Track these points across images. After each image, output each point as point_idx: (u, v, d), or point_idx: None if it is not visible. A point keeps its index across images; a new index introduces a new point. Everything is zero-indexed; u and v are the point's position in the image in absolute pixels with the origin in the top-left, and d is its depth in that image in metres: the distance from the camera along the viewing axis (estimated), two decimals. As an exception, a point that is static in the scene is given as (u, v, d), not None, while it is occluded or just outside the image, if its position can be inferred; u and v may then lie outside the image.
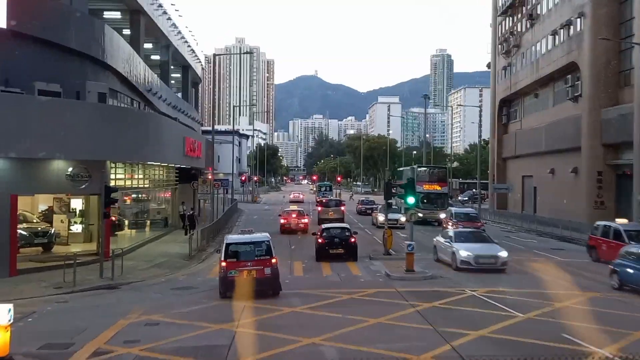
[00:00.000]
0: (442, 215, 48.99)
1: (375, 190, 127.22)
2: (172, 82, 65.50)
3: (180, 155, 37.70)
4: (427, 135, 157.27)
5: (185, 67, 67.46)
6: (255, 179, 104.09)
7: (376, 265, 28.11)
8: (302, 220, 44.24)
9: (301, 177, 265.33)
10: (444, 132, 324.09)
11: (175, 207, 44.77)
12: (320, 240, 29.68)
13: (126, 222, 36.89)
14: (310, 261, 29.53)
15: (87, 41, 33.50)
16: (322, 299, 19.66)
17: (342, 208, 53.79)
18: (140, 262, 28.70)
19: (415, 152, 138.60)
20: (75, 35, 32.35)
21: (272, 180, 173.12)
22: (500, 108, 72.29)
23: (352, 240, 29.64)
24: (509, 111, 71.29)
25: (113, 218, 34.48)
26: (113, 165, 30.14)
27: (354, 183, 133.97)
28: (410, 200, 26.76)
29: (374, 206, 62.20)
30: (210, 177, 42.07)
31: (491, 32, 77.44)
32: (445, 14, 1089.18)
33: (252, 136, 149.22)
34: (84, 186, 26.31)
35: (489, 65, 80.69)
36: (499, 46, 72.08)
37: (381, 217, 44.12)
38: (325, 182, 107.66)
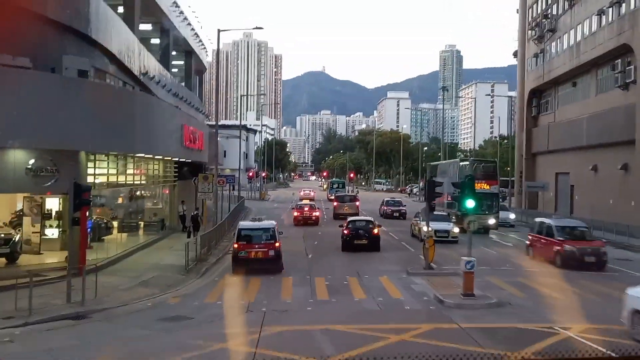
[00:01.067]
0: (492, 221, 41.88)
1: (391, 187, 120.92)
2: (175, 70, 59.78)
3: (178, 146, 31.94)
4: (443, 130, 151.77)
5: (189, 53, 61.62)
6: (264, 175, 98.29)
7: (419, 285, 22.26)
8: (314, 214, 47.63)
9: (309, 174, 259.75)
10: (453, 128, 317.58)
11: (174, 207, 39.04)
12: (345, 232, 31.38)
13: (115, 224, 31.15)
14: (334, 276, 23.78)
15: (67, 9, 27.75)
16: (362, 342, 13.92)
17: (357, 203, 53.04)
18: (123, 278, 22.97)
19: (426, 147, 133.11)
20: (52, 1, 26.64)
21: (280, 176, 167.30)
22: (530, 99, 66.21)
23: (375, 232, 31.52)
24: (540, 102, 65.17)
25: (100, 219, 29.05)
26: (92, 157, 24.28)
27: (375, 180, 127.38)
28: (470, 203, 20.75)
29: (402, 208, 55.51)
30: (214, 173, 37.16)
31: (519, 18, 71.40)
32: (454, 9, 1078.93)
33: (260, 131, 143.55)
34: (49, 183, 20.62)
35: (515, 54, 74.75)
36: (530, 32, 65.99)
37: (427, 228, 27.97)
38: (338, 179, 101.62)
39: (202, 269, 25.59)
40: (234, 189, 57.04)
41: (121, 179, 29.12)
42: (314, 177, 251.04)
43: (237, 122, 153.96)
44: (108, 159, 26.86)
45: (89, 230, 23.02)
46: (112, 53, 32.49)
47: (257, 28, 48.11)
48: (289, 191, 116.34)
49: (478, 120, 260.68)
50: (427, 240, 25.23)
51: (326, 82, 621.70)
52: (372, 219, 33.79)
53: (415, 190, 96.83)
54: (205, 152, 39.24)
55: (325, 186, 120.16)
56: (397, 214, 54.17)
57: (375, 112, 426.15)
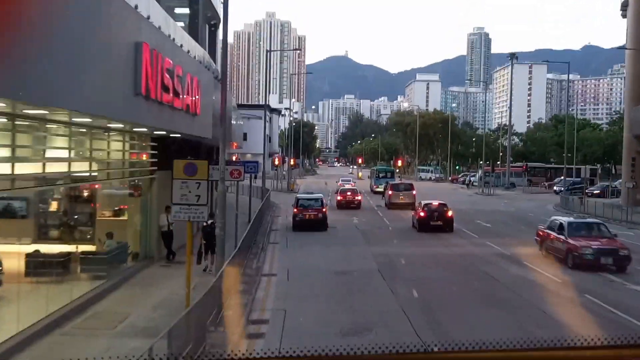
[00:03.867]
0: None
1: (441, 176, 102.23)
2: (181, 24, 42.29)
3: (130, 97, 13.87)
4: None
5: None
6: (292, 162, 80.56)
7: None
8: (357, 198, 47.24)
9: (335, 159, 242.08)
10: (484, 113, 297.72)
11: (151, 218, 21.45)
12: (422, 214, 32.25)
13: (17, 264, 13.68)
14: None
15: None
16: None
17: (414, 192, 47.85)
18: None
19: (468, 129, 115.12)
20: None
21: (307, 162, 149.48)
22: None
23: (450, 214, 32.56)
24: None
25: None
26: None
27: (419, 167, 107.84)
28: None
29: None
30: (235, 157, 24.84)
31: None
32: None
33: (284, 115, 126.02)
34: None
35: (624, 13, 56.39)
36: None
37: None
38: (384, 167, 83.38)
39: None
40: (255, 178, 40.23)
41: (35, 167, 12.01)
42: (339, 164, 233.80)
43: (260, 103, 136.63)
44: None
45: None
46: None
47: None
48: (319, 180, 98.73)
49: (515, 103, 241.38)
50: None
51: (349, 67, 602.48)
52: (445, 202, 34.29)
53: (473, 180, 78.70)
54: (206, 119, 21.82)
55: (359, 174, 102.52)
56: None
57: (399, 96, 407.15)
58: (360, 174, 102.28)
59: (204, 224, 19.91)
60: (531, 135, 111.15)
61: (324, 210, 33.02)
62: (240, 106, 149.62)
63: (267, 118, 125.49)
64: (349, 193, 47.95)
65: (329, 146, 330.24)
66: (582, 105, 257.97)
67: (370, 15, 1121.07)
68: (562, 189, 65.93)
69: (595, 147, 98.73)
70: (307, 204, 33.25)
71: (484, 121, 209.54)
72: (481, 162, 75.86)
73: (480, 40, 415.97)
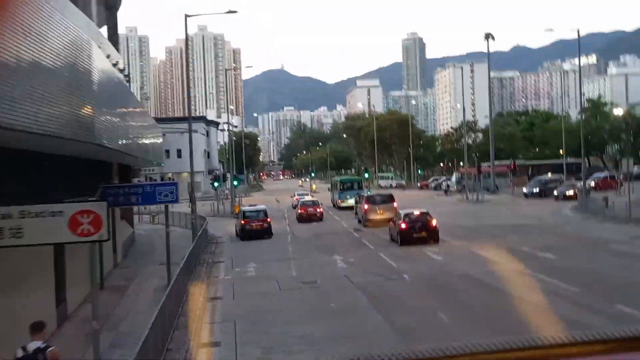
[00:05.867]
0: None
1: (402, 181, 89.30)
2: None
3: None
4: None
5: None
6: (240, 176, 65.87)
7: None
8: (318, 210, 43.83)
9: (280, 172, 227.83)
10: (427, 115, 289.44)
11: None
12: (403, 226, 28.04)
13: None
14: None
15: None
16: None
17: (395, 204, 37.64)
18: None
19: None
20: None
21: (251, 177, 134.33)
22: None
23: (434, 223, 28.36)
24: None
25: None
26: None
27: (379, 175, 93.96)
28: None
29: None
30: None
31: None
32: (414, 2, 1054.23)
33: (224, 128, 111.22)
34: None
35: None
36: None
37: None
38: (349, 176, 69.47)
39: None
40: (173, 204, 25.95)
41: None
42: (284, 177, 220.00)
43: (196, 116, 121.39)
44: None
45: None
46: None
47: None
48: (268, 197, 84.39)
49: (459, 102, 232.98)
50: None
51: (286, 80, 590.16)
52: (427, 210, 29.70)
53: (450, 184, 65.82)
54: None
55: (312, 186, 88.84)
56: None
57: (338, 106, 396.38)
58: (314, 186, 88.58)
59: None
60: (499, 131, 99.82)
61: (268, 220, 34.87)
62: (171, 119, 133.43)
63: (204, 132, 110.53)
64: (309, 207, 44.53)
65: (272, 159, 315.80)
66: (523, 102, 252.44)
67: (304, 27, 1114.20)
68: (534, 190, 54.38)
69: (567, 139, 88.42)
70: (253, 216, 35.16)
71: (433, 123, 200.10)
72: (441, 165, 63.54)
73: (414, 45, 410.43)
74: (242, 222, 34.30)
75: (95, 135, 13.70)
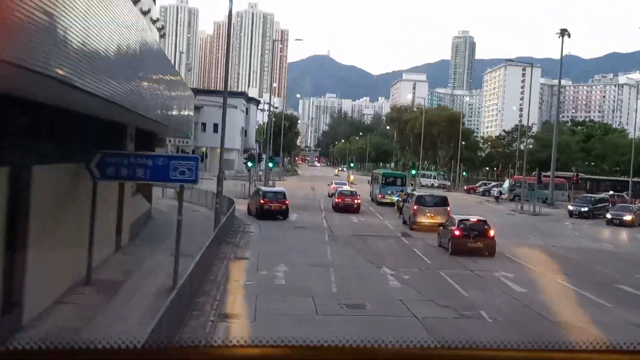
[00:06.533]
0: None
1: (446, 182, 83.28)
2: None
3: None
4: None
5: None
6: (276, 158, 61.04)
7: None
8: (356, 201, 42.04)
9: (316, 159, 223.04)
10: (471, 116, 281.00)
11: None
12: (457, 233, 24.54)
13: None
14: None
15: None
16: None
17: (448, 208, 32.89)
18: None
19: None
20: None
21: (286, 160, 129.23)
22: None
23: (492, 234, 24.75)
24: None
25: None
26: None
27: (422, 172, 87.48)
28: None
29: None
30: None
31: None
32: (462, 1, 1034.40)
33: (264, 110, 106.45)
34: None
35: None
36: None
37: None
38: (392, 171, 64.27)
39: None
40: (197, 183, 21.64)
41: None
42: (319, 164, 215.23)
43: (239, 95, 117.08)
44: None
45: None
46: None
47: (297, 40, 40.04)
48: (302, 182, 79.66)
49: (507, 106, 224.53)
50: None
51: (331, 67, 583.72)
52: (484, 219, 26.03)
53: (502, 191, 59.80)
54: None
55: (350, 177, 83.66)
56: None
57: (380, 98, 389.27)
58: (351, 177, 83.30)
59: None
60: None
61: (286, 202, 35.04)
62: (209, 92, 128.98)
63: (244, 108, 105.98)
64: (347, 197, 42.87)
65: (309, 145, 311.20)
66: (573, 112, 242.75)
67: (352, 16, 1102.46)
68: (581, 209, 46.92)
69: (628, 155, 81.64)
70: (272, 196, 35.87)
71: (477, 124, 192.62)
72: (486, 169, 57.51)
73: (464, 44, 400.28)
74: (262, 201, 34.87)
75: (77, 72, 8.92)
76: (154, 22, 24.08)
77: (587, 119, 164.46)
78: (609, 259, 25.99)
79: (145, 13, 19.58)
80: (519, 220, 43.01)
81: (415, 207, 33.54)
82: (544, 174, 60.05)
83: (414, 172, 60.56)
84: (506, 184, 61.71)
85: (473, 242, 24.38)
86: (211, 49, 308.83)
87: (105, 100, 10.95)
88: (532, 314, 15.36)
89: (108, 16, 11.17)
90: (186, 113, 29.81)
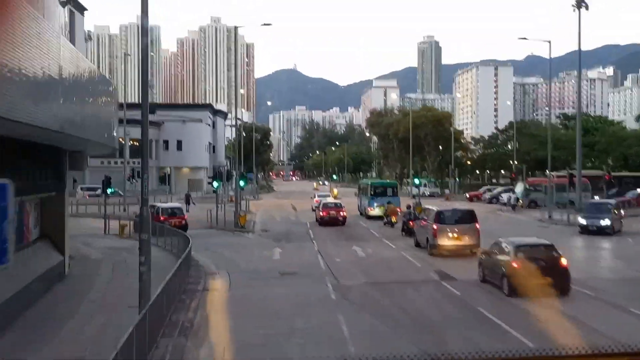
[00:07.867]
0: None
1: (436, 191, 74.06)
2: None
3: None
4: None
5: None
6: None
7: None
8: (341, 213, 39.57)
9: (291, 173, 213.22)
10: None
11: None
12: (515, 265, 17.40)
13: None
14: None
15: None
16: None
17: (477, 225, 25.62)
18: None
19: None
20: None
21: (260, 176, 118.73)
22: None
23: (564, 263, 17.69)
24: None
25: None
26: None
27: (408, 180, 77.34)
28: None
29: None
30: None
31: None
32: (427, 4, 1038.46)
33: (233, 125, 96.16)
34: None
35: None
36: None
37: None
38: (380, 180, 55.25)
39: None
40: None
41: None
42: (294, 178, 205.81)
43: (203, 109, 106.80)
44: None
45: None
46: None
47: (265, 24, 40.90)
48: (281, 200, 69.68)
49: (482, 108, 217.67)
50: None
51: (298, 80, 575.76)
52: (549, 242, 18.83)
53: (519, 198, 50.11)
54: None
55: (333, 191, 73.97)
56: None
57: (350, 108, 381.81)
58: (335, 191, 73.55)
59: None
60: (553, 135, 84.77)
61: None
62: (170, 106, 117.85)
63: (210, 122, 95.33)
64: (332, 209, 40.18)
65: (282, 159, 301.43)
66: (546, 110, 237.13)
67: (317, 29, 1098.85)
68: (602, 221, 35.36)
69: (636, 147, 73.52)
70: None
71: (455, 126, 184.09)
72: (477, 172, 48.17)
73: (430, 49, 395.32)
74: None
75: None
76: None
77: (560, 115, 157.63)
78: None
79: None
80: (560, 236, 32.97)
81: (435, 227, 25.48)
82: (559, 173, 50.93)
83: (417, 180, 51.17)
84: (518, 188, 52.45)
85: (539, 278, 16.86)
86: (176, 66, 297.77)
87: None
88: None
89: None
90: (106, 113, 19.69)
